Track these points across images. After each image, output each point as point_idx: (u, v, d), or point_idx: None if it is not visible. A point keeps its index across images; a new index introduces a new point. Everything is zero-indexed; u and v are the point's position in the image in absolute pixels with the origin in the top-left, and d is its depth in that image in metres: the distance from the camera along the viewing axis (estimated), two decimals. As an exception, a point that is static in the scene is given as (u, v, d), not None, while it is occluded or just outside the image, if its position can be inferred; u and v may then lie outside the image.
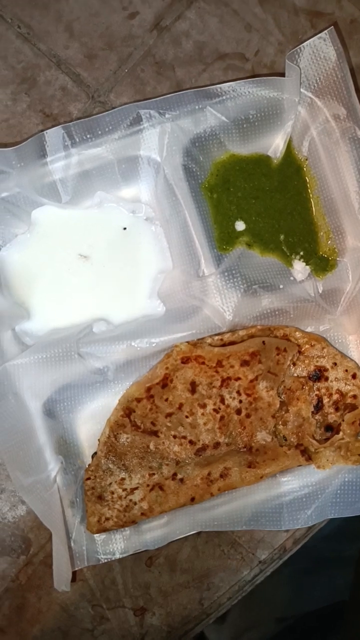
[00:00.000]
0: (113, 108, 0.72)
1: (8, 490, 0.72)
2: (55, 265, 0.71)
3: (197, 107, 0.68)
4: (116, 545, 0.70)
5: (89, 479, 0.69)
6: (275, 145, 0.71)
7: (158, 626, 0.73)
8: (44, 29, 0.73)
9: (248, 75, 0.73)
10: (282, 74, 0.70)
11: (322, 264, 0.71)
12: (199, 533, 0.71)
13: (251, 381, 0.69)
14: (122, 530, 0.70)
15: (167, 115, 0.68)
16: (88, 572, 0.72)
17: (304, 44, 0.67)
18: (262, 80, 0.68)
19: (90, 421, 0.71)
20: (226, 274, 0.69)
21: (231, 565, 0.73)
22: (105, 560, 0.69)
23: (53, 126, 0.71)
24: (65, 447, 0.70)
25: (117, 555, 0.69)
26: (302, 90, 0.68)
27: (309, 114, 0.69)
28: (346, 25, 0.72)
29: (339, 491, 0.69)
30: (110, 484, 0.69)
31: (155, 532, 0.70)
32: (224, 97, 0.68)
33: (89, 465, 0.69)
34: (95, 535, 0.70)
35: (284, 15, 0.73)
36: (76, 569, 0.69)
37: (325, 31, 0.67)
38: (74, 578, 0.69)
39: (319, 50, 0.67)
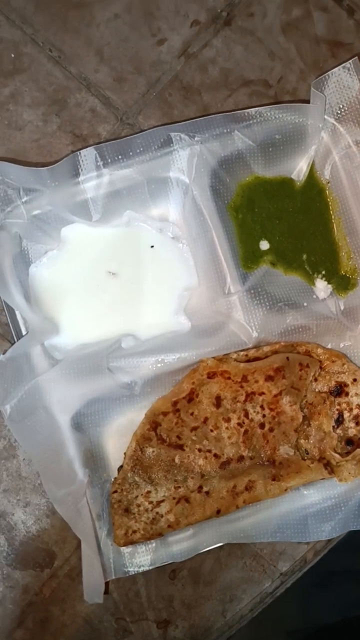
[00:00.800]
0: (141, 130, 0.74)
1: (33, 504, 0.73)
2: (84, 282, 0.73)
3: (225, 130, 0.71)
4: (143, 557, 0.71)
5: (115, 492, 0.70)
6: (298, 168, 0.74)
7: (181, 638, 0.73)
8: (75, 52, 0.75)
9: (271, 101, 0.76)
10: (304, 101, 0.73)
11: (343, 283, 0.73)
12: (222, 546, 0.72)
13: (275, 396, 0.71)
14: (149, 543, 0.71)
15: (196, 138, 0.70)
16: (112, 585, 0.73)
17: (329, 72, 0.70)
18: (288, 106, 0.71)
19: (116, 435, 0.73)
20: (252, 291, 0.71)
21: (253, 577, 0.74)
22: (134, 573, 0.70)
23: (83, 147, 0.73)
24: (92, 461, 0.72)
25: (145, 568, 0.70)
26: (325, 116, 0.71)
27: (332, 139, 0.72)
28: (365, 56, 0.76)
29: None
30: (137, 497, 0.70)
31: (182, 545, 0.71)
32: (251, 122, 0.71)
33: (116, 478, 0.71)
34: (122, 548, 0.71)
35: (306, 44, 0.76)
36: (105, 581, 0.70)
37: (350, 61, 0.70)
38: (105, 590, 0.69)
39: (343, 79, 0.70)
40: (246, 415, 0.71)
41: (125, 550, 0.71)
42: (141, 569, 0.71)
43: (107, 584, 0.72)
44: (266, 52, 0.76)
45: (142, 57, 0.75)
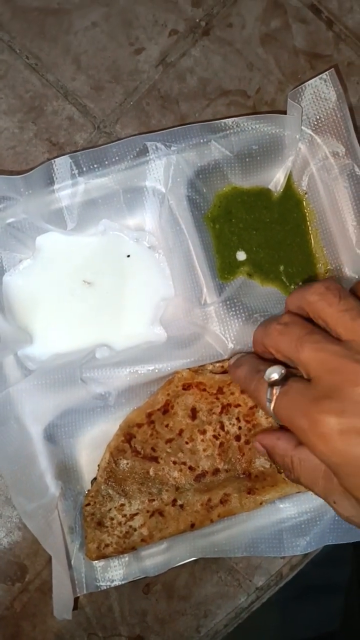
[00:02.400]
0: (118, 139, 0.74)
1: (5, 516, 0.72)
2: (58, 291, 0.72)
3: (202, 140, 0.70)
4: (116, 572, 0.69)
5: (88, 504, 0.69)
6: (276, 179, 0.73)
7: (154, 655, 0.72)
8: (52, 60, 0.75)
9: (249, 112, 0.75)
10: (282, 111, 0.73)
11: (320, 295, 0.73)
12: (196, 560, 0.71)
13: (250, 408, 0.70)
14: (121, 557, 0.70)
15: (172, 148, 0.70)
16: (84, 600, 0.72)
17: (306, 83, 0.70)
18: (265, 117, 0.71)
19: (90, 447, 0.72)
20: (228, 302, 0.70)
21: (228, 592, 0.73)
22: (105, 587, 0.69)
23: (59, 155, 0.72)
24: (65, 473, 0.70)
25: (117, 582, 0.69)
26: (302, 127, 0.71)
27: (309, 150, 0.72)
28: (343, 68, 0.76)
29: (336, 518, 0.70)
30: (110, 509, 0.69)
31: (155, 559, 0.70)
32: (228, 132, 0.71)
33: (89, 491, 0.70)
34: (95, 562, 0.69)
35: (285, 56, 0.76)
36: (75, 596, 0.68)
37: (327, 72, 0.70)
38: (74, 606, 0.68)
39: (320, 91, 0.70)
40: (222, 427, 0.70)
41: (98, 564, 0.70)
42: (113, 584, 0.69)
43: (79, 598, 0.71)
44: (245, 63, 0.76)
45: (119, 65, 0.75)
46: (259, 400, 0.61)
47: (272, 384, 0.58)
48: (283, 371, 0.58)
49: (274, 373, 0.58)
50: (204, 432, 0.70)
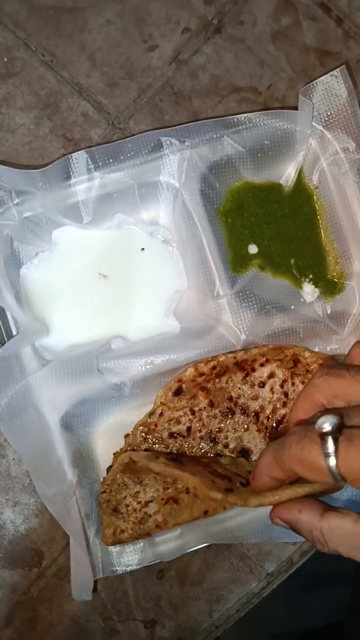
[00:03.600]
0: (132, 134, 0.75)
1: (22, 503, 0.74)
2: (74, 284, 0.73)
3: (215, 136, 0.72)
4: (131, 557, 0.71)
5: (104, 492, 0.71)
6: (287, 174, 0.75)
7: (168, 638, 0.74)
8: (68, 57, 0.76)
9: (261, 108, 0.77)
10: (293, 108, 0.74)
11: (330, 287, 0.74)
12: (209, 546, 0.73)
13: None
14: (136, 542, 0.71)
15: (186, 143, 0.71)
16: (100, 585, 0.74)
17: (317, 80, 0.72)
18: (277, 112, 0.72)
19: (105, 435, 0.73)
20: (240, 294, 0.72)
21: (240, 578, 0.75)
22: (121, 572, 0.71)
23: (74, 150, 0.74)
24: (82, 461, 0.72)
25: (132, 567, 0.71)
26: (313, 123, 0.72)
27: (320, 146, 0.73)
28: (353, 64, 0.77)
29: (347, 505, 0.71)
30: (125, 497, 0.71)
31: (169, 544, 0.71)
32: (241, 127, 0.72)
33: (105, 478, 0.71)
34: (110, 547, 0.71)
35: (295, 53, 0.77)
36: (95, 579, 0.70)
37: (337, 69, 0.71)
38: (93, 589, 0.70)
39: (331, 87, 0.72)
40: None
41: (113, 549, 0.71)
42: (129, 568, 0.71)
43: (95, 583, 0.73)
44: (256, 60, 0.77)
45: (133, 62, 0.77)
46: (310, 461, 0.49)
47: (326, 435, 0.49)
48: (337, 419, 0.48)
49: (327, 422, 0.48)
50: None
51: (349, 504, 0.72)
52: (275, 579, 0.76)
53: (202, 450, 0.71)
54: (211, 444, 0.71)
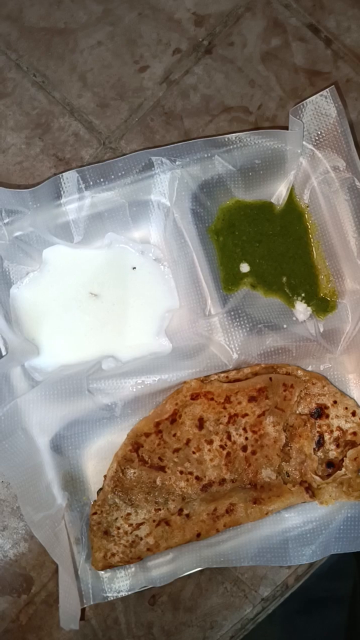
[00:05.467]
0: (123, 154, 0.75)
1: (10, 528, 0.72)
2: (65, 303, 0.73)
3: (205, 155, 0.72)
4: (122, 582, 0.70)
5: (95, 513, 0.69)
6: (278, 192, 0.75)
7: (161, 667, 0.72)
8: (59, 78, 0.76)
9: (251, 127, 0.77)
10: (283, 127, 0.74)
11: (322, 305, 0.74)
12: (202, 570, 0.71)
13: (258, 416, 0.71)
14: (128, 567, 0.70)
15: (177, 162, 0.72)
16: (90, 612, 0.72)
17: (307, 100, 0.72)
18: (267, 132, 0.72)
19: (96, 457, 0.72)
20: (232, 313, 0.71)
21: (234, 603, 0.73)
22: (112, 598, 0.69)
23: (65, 170, 0.74)
24: (72, 483, 0.71)
25: (124, 593, 0.69)
26: (304, 142, 0.73)
27: (310, 164, 0.73)
28: (342, 84, 0.78)
29: (342, 527, 0.70)
30: (117, 519, 0.69)
31: (161, 569, 0.70)
32: (231, 147, 0.72)
33: (95, 500, 0.70)
34: (101, 572, 0.70)
35: (285, 73, 0.78)
36: (82, 607, 0.68)
37: (327, 89, 0.72)
38: (81, 616, 0.68)
39: (321, 107, 0.72)
40: (229, 437, 0.71)
41: (104, 575, 0.70)
42: (120, 594, 0.69)
43: (85, 610, 0.71)
44: (246, 80, 0.78)
45: (124, 83, 0.77)
46: None
47: None
48: None
49: None
50: (211, 442, 0.70)
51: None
52: (270, 604, 0.74)
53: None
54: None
